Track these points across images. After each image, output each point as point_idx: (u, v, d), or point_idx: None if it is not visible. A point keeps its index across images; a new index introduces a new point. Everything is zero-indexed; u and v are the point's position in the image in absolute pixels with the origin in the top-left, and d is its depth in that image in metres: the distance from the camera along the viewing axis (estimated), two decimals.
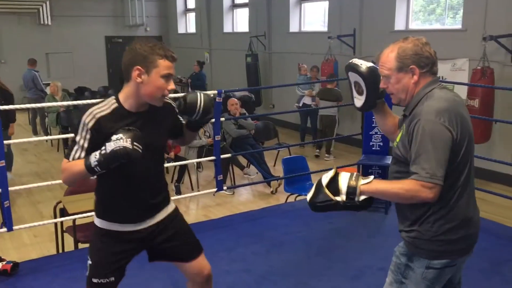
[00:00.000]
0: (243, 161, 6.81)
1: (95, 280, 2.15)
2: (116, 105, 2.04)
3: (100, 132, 1.97)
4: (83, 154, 1.99)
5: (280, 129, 8.36)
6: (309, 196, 1.90)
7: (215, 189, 4.65)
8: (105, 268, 2.16)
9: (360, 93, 2.11)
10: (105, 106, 2.03)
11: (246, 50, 10.53)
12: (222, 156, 4.76)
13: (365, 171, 4.73)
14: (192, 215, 5.53)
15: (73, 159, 1.99)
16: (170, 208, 2.30)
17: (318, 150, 8.04)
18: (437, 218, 1.85)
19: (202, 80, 11.30)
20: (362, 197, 1.82)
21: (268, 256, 3.76)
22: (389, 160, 4.66)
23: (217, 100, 4.25)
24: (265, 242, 3.95)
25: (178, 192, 6.16)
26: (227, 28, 12.36)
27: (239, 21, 12.25)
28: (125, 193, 2.13)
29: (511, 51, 5.86)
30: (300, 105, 8.44)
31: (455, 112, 1.81)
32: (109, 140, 1.91)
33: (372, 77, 2.03)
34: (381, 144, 4.84)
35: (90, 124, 1.98)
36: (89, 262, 2.18)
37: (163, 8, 15.31)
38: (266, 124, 7.76)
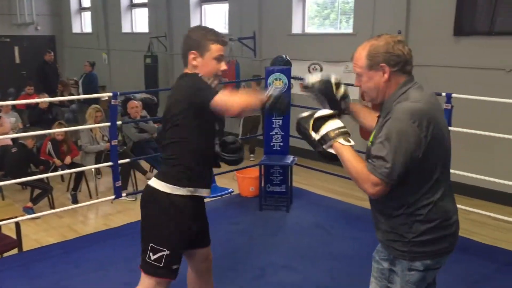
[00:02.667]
0: (146, 165, 6.61)
1: (174, 267, 2.23)
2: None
3: None
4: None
5: None
6: (302, 114, 1.97)
7: (113, 197, 4.44)
8: (183, 245, 2.26)
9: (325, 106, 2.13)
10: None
11: (145, 51, 10.25)
12: (121, 161, 4.57)
13: (267, 171, 4.81)
14: (91, 225, 5.25)
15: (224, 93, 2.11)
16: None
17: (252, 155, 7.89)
18: (415, 219, 1.82)
19: (94, 81, 10.80)
20: (330, 150, 1.88)
21: None
22: (289, 159, 4.79)
23: (112, 102, 4.07)
24: None
25: (75, 201, 5.82)
26: (125, 28, 11.95)
27: (138, 21, 11.90)
28: (206, 154, 2.30)
29: None
30: None
31: (428, 113, 1.76)
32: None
33: (323, 88, 2.08)
34: (282, 144, 4.95)
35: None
36: (166, 252, 2.17)
37: (55, 6, 14.38)
38: None
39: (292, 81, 7.18)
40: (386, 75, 1.82)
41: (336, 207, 4.94)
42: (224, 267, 3.58)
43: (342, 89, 2.11)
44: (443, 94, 3.99)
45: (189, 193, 2.23)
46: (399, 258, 1.87)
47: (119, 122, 4.58)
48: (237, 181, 5.26)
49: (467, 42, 5.62)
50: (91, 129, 6.13)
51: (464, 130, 4.13)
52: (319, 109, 2.00)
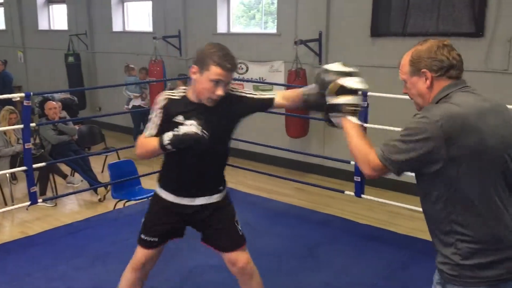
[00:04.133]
0: (66, 169, 6.31)
1: (142, 236, 2.58)
2: (184, 94, 2.37)
3: (168, 111, 2.32)
4: (155, 131, 2.32)
5: (108, 133, 7.98)
6: (331, 66, 2.05)
7: (28, 203, 4.20)
8: (152, 228, 2.55)
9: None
10: (176, 92, 2.39)
11: (66, 49, 9.79)
12: (37, 165, 4.34)
13: None
14: (6, 233, 4.93)
15: (149, 135, 2.33)
16: (218, 198, 2.56)
17: None
18: (461, 239, 1.67)
19: (8, 80, 10.16)
20: (339, 124, 1.95)
21: (93, 269, 3.54)
22: None
23: (25, 103, 3.85)
24: (89, 255, 3.71)
25: None
26: (42, 25, 11.33)
27: (56, 18, 11.33)
28: (185, 171, 2.44)
29: (319, 54, 6.51)
30: (130, 107, 8.19)
31: (465, 118, 1.62)
32: (173, 121, 2.26)
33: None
34: None
35: (162, 103, 2.33)
36: (143, 219, 2.59)
37: None
38: (91, 128, 7.33)
39: None
40: (428, 81, 1.75)
41: (262, 205, 5.01)
42: (151, 270, 3.51)
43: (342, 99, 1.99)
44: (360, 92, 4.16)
45: (166, 198, 2.52)
46: (451, 283, 1.73)
47: (33, 124, 4.34)
48: None
49: (383, 42, 5.91)
50: (4, 132, 5.76)
51: (380, 127, 4.34)
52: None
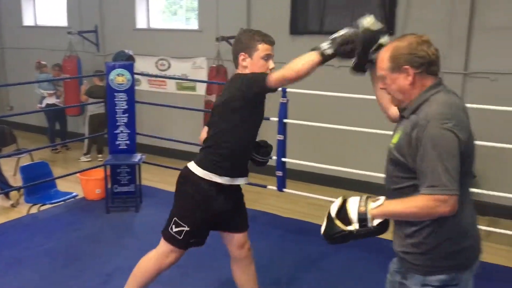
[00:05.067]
0: None
1: (188, 239, 2.48)
2: None
3: None
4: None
5: (20, 133, 7.49)
6: (322, 228, 1.78)
7: None
8: (203, 226, 2.51)
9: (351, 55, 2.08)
10: None
11: None
12: None
13: (113, 172, 4.62)
14: None
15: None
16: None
17: (88, 155, 7.60)
18: (431, 230, 1.71)
19: None
20: (376, 222, 1.69)
21: (5, 277, 3.31)
22: (137, 158, 4.65)
23: None
24: (1, 262, 3.47)
25: None
26: None
27: None
28: (245, 140, 2.46)
29: None
30: (43, 106, 7.75)
31: (460, 117, 1.68)
32: None
33: (367, 36, 1.99)
34: (128, 142, 4.78)
35: None
36: (186, 228, 2.45)
37: None
38: (1, 129, 6.84)
39: (139, 77, 7.03)
40: (410, 77, 1.74)
41: None
42: (66, 275, 3.37)
43: (384, 39, 2.00)
44: (279, 89, 4.25)
45: (221, 181, 2.43)
46: (412, 271, 1.76)
47: None
48: (81, 184, 4.95)
49: (301, 40, 6.06)
50: None
51: (299, 122, 4.46)
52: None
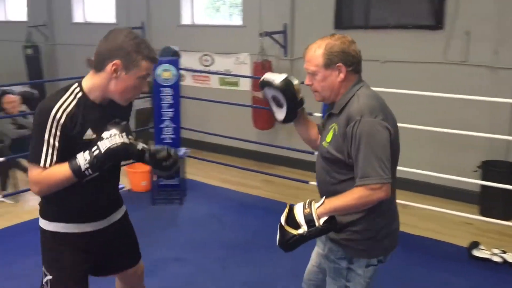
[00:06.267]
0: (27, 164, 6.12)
1: None
2: (80, 94, 1.83)
3: (68, 129, 1.76)
4: (55, 157, 1.75)
5: None
6: (277, 240, 1.85)
7: None
8: (71, 280, 1.96)
9: (280, 105, 2.05)
10: (71, 97, 1.81)
11: (24, 41, 9.47)
12: None
13: None
14: None
15: (47, 163, 1.74)
16: (123, 208, 2.18)
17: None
18: (372, 216, 1.85)
19: None
20: (322, 220, 1.77)
21: None
22: (181, 152, 4.74)
23: None
24: None
25: None
26: None
27: (13, 9, 10.94)
28: (88, 188, 1.86)
29: (284, 46, 6.54)
30: None
31: (386, 108, 1.83)
32: (78, 138, 1.77)
33: (289, 89, 1.98)
34: (173, 136, 4.89)
35: (62, 121, 1.75)
36: (49, 277, 1.95)
37: None
38: None
39: (183, 72, 7.14)
40: (342, 75, 1.83)
41: (230, 197, 5.01)
42: None
43: (300, 94, 2.05)
44: None
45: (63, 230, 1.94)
46: (358, 256, 1.89)
47: None
48: (127, 176, 5.10)
49: (346, 35, 5.98)
50: None
51: None
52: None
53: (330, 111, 1.93)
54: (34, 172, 1.76)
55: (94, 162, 1.73)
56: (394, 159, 1.82)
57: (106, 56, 1.81)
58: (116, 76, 1.81)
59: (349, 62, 1.83)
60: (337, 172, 1.86)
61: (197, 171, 5.82)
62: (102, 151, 1.73)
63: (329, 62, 1.82)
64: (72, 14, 9.29)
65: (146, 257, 3.58)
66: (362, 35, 5.72)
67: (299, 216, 1.79)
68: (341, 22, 6.06)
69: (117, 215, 2.10)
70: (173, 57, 4.97)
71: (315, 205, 1.79)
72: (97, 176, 1.81)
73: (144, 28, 8.16)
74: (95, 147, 1.74)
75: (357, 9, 5.98)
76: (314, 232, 1.77)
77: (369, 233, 1.86)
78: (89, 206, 1.96)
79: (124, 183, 5.22)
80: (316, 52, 1.84)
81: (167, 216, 4.41)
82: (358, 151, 1.74)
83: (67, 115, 1.76)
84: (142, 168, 5.03)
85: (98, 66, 1.83)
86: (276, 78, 2.02)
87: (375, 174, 1.71)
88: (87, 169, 1.73)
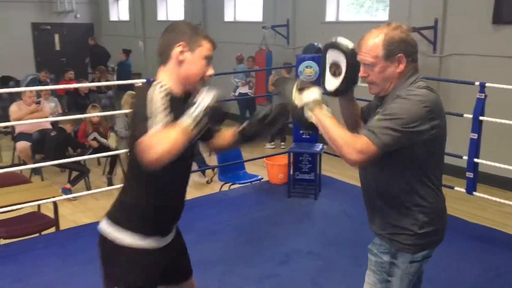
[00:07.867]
0: None
1: None
2: (168, 88, 1.72)
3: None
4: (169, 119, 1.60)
5: None
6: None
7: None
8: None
9: (336, 74, 1.95)
10: (163, 87, 1.68)
11: None
12: None
13: (296, 159, 4.83)
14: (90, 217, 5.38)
15: (166, 123, 1.58)
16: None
17: (273, 142, 8.00)
18: (421, 210, 1.81)
19: (127, 69, 11.09)
20: (310, 117, 1.76)
21: (198, 245, 3.75)
22: (318, 147, 4.79)
23: None
24: (196, 232, 3.94)
25: (110, 183, 6.01)
26: (161, 16, 12.12)
27: (174, 9, 12.04)
28: (169, 194, 1.84)
29: (433, 42, 6.18)
30: (236, 94, 8.49)
31: (439, 104, 1.74)
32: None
33: (355, 59, 1.86)
34: (310, 131, 4.95)
35: (167, 97, 1.65)
36: None
37: None
38: None
39: None
40: (402, 66, 1.74)
41: (359, 195, 4.91)
42: (249, 252, 3.66)
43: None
44: (477, 83, 3.90)
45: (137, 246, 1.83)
46: (402, 251, 1.84)
47: None
48: (266, 168, 5.31)
49: (507, 30, 5.44)
50: (126, 115, 6.28)
51: (498, 120, 4.02)
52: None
53: (380, 101, 1.85)
54: (148, 138, 1.56)
55: (199, 115, 1.61)
56: (439, 157, 1.81)
57: (169, 45, 1.80)
58: (183, 59, 1.78)
59: (409, 52, 1.74)
60: (380, 163, 1.77)
61: (331, 167, 5.82)
62: (200, 106, 1.64)
63: (390, 53, 1.72)
64: (223, 13, 9.92)
65: (280, 247, 3.73)
66: None
67: (308, 98, 1.77)
68: (501, 16, 5.52)
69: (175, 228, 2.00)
70: (316, 54, 5.02)
71: (324, 108, 1.76)
72: (174, 178, 1.81)
73: (288, 26, 8.38)
74: (193, 106, 1.64)
75: None
76: (297, 114, 1.78)
77: (415, 228, 1.82)
78: (167, 212, 1.87)
79: (262, 174, 5.45)
80: (374, 42, 1.74)
81: (301, 210, 4.50)
82: (387, 110, 1.68)
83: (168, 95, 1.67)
84: (280, 161, 5.19)
85: (164, 58, 1.82)
86: (349, 44, 1.92)
87: (385, 141, 1.64)
88: (194, 125, 1.61)
